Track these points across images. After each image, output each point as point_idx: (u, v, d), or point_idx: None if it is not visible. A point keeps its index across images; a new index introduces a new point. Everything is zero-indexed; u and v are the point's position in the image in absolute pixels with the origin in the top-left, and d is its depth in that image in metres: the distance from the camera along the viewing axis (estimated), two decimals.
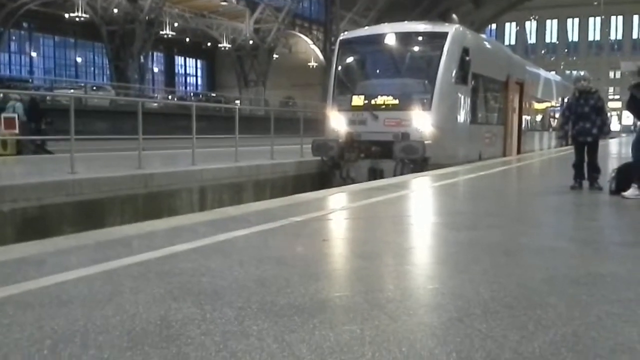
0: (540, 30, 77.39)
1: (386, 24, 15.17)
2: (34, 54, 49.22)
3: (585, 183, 8.47)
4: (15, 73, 46.65)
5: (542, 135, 22.77)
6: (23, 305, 2.70)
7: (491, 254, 3.98)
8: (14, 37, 47.19)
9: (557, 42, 77.44)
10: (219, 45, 50.16)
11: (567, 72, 66.42)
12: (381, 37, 13.61)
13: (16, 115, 13.58)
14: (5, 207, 6.78)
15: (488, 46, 17.45)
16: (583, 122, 8.36)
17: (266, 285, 3.09)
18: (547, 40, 78.54)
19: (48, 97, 26.70)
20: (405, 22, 15.65)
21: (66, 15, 39.95)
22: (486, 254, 3.99)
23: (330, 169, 13.15)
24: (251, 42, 48.50)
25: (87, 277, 3.18)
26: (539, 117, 22.32)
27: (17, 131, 13.01)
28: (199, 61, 63.94)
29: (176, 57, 60.42)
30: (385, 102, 12.92)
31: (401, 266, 3.67)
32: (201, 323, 2.48)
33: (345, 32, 16.75)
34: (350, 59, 14.62)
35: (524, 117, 18.90)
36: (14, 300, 2.78)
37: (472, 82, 13.76)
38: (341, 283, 3.27)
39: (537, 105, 21.66)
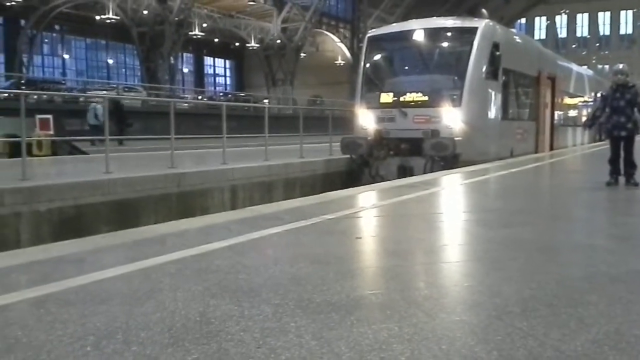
0: (571, 24, 75.92)
1: (414, 20, 15.07)
2: (66, 56, 50.12)
3: (622, 179, 8.29)
4: (49, 75, 47.57)
5: (575, 131, 22.35)
6: (64, 302, 2.76)
7: (527, 252, 3.93)
8: (46, 40, 48.12)
9: (589, 36, 75.91)
10: (247, 45, 50.45)
11: (599, 66, 65.05)
12: (410, 33, 13.52)
13: (50, 117, 13.83)
14: (42, 207, 6.93)
15: (519, 41, 17.19)
16: (618, 116, 8.19)
17: (301, 282, 3.10)
18: (578, 34, 76.99)
19: (81, 99, 27.20)
20: (434, 18, 15.53)
21: (97, 18, 40.62)
22: (522, 251, 3.94)
23: (359, 166, 13.11)
24: (278, 41, 48.66)
25: (125, 274, 3.24)
26: (571, 113, 21.92)
27: (52, 132, 13.27)
28: (227, 61, 64.37)
29: (205, 58, 60.93)
30: (415, 99, 12.83)
31: (435, 264, 3.65)
32: (240, 319, 2.50)
33: (373, 29, 16.68)
34: (378, 56, 14.56)
35: (556, 112, 18.58)
36: (55, 298, 2.84)
37: (503, 78, 13.57)
38: (376, 280, 3.26)
39: (570, 101, 21.27)
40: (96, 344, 2.25)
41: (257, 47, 49.75)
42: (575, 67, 23.28)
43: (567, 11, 71.68)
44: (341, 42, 55.31)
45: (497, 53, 12.98)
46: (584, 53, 71.12)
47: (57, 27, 47.03)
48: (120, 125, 19.24)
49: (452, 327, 2.42)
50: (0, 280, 3.15)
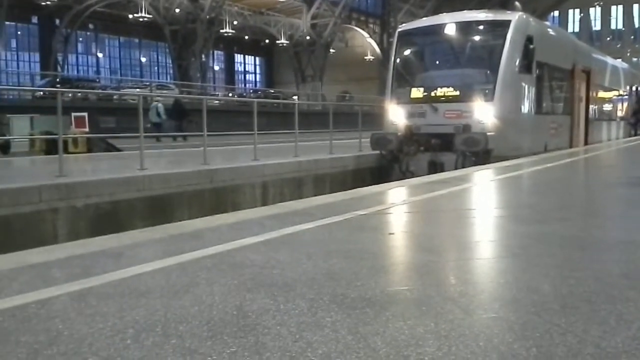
0: (605, 17, 74.20)
1: (445, 14, 14.92)
2: (100, 55, 51.05)
3: None
4: (83, 73, 48.52)
5: (610, 125, 21.89)
6: (104, 296, 2.82)
7: (564, 248, 3.86)
8: (80, 39, 49.08)
9: (623, 29, 74.11)
10: (277, 41, 50.65)
11: (634, 59, 63.46)
12: (441, 27, 13.40)
13: (85, 115, 14.12)
14: (79, 203, 7.08)
15: (553, 33, 16.89)
16: None
17: (335, 278, 3.11)
18: (613, 26, 75.27)
19: (115, 97, 27.65)
20: (465, 11, 15.35)
21: (130, 16, 41.28)
22: (559, 247, 3.87)
23: (390, 162, 13.06)
24: (308, 37, 48.73)
25: (163, 268, 3.29)
26: (606, 107, 21.46)
27: (87, 129, 13.54)
28: (257, 58, 64.75)
29: (235, 55, 61.38)
30: (446, 94, 12.72)
31: (471, 260, 3.62)
32: (276, 314, 2.52)
33: (404, 24, 16.57)
34: (409, 51, 14.47)
35: (591, 106, 18.22)
36: (95, 291, 2.90)
37: (537, 71, 13.36)
38: (410, 276, 3.25)
39: (605, 94, 20.83)
40: (136, 336, 2.29)
41: (287, 43, 49.90)
42: (610, 60, 22.78)
43: (601, 3, 70.06)
44: (370, 37, 55.12)
45: (531, 46, 12.77)
46: (618, 46, 69.46)
47: (91, 25, 47.93)
48: (180, 121, 20.77)
49: (490, 323, 2.39)
50: (42, 274, 3.23)
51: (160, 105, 20.08)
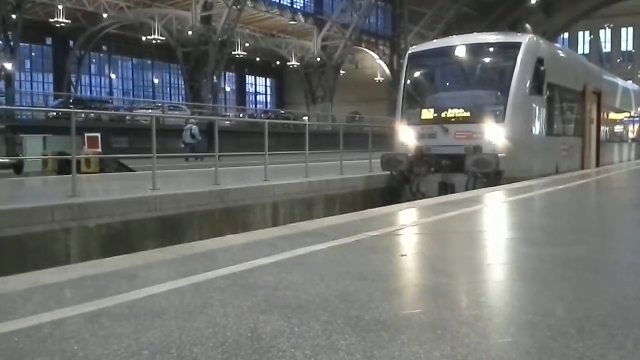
0: (615, 39, 74.33)
1: (456, 36, 15.00)
2: (113, 76, 51.63)
3: None
4: (96, 94, 49.05)
5: (621, 147, 21.79)
6: (118, 317, 2.82)
7: (579, 271, 3.83)
8: (94, 60, 49.72)
9: (633, 51, 74.15)
10: (288, 63, 51.05)
11: None
12: (452, 49, 13.45)
13: (98, 136, 14.27)
14: (91, 223, 7.12)
15: (563, 55, 16.91)
16: None
17: (349, 300, 3.10)
18: (623, 48, 75.36)
19: (128, 117, 27.93)
20: (475, 33, 15.42)
21: (143, 38, 41.81)
22: (573, 270, 3.84)
23: (400, 183, 13.04)
24: (318, 59, 49.07)
25: (177, 289, 3.29)
26: (617, 128, 21.38)
27: (99, 149, 13.66)
28: (268, 79, 65.26)
29: (247, 76, 61.90)
30: (456, 115, 12.73)
31: (485, 283, 3.59)
32: (290, 336, 2.51)
33: (414, 46, 16.67)
34: (419, 72, 14.53)
35: (602, 128, 18.16)
36: (109, 312, 2.90)
37: (547, 93, 13.35)
38: (425, 299, 3.23)
39: (616, 116, 20.77)
40: (151, 358, 2.29)
41: (298, 65, 50.28)
42: (620, 81, 22.75)
43: (611, 25, 70.16)
44: (380, 59, 55.42)
45: (542, 68, 12.79)
46: (629, 67, 69.42)
47: (104, 47, 48.58)
48: (212, 142, 20.65)
49: (507, 348, 2.37)
50: (55, 295, 3.24)
51: (194, 127, 21.19)
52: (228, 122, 33.92)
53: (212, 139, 22.01)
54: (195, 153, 19.60)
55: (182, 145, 22.09)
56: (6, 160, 14.10)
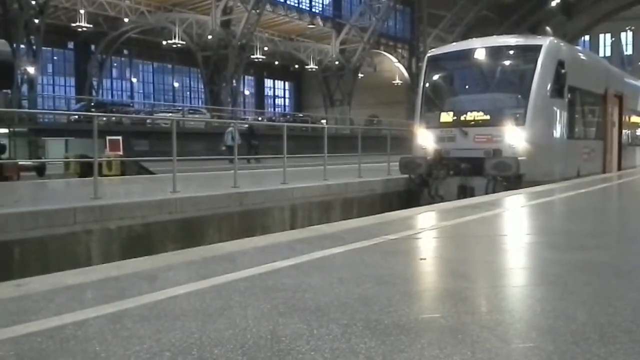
0: (637, 41, 73.36)
1: (475, 38, 14.92)
2: (134, 80, 52.18)
3: None
4: (117, 98, 49.61)
5: None
6: (140, 318, 2.85)
7: (601, 276, 3.79)
8: (115, 64, 50.31)
9: None
10: (306, 67, 51.17)
11: None
12: (471, 52, 13.38)
13: (120, 139, 14.41)
14: (112, 225, 7.19)
15: (584, 58, 16.74)
16: None
17: (368, 303, 3.09)
18: None
19: (148, 120, 28.19)
20: (495, 36, 15.33)
21: (164, 42, 42.23)
22: (595, 275, 3.80)
23: (418, 186, 12.98)
24: (337, 62, 49.12)
25: (197, 291, 3.32)
26: None
27: (121, 152, 13.80)
28: (286, 83, 65.46)
29: (265, 80, 62.15)
30: (476, 118, 12.65)
31: (506, 287, 3.57)
32: (310, 339, 2.52)
33: (433, 49, 16.61)
34: (438, 75, 14.48)
35: (624, 131, 17.92)
36: (131, 313, 2.93)
37: (569, 96, 13.21)
38: (444, 303, 3.21)
39: (638, 119, 20.48)
40: (172, 359, 2.31)
41: (316, 68, 50.37)
42: None
43: (633, 28, 69.26)
44: (399, 62, 55.31)
45: (563, 71, 12.67)
46: None
47: (125, 51, 49.15)
48: (251, 146, 24.35)
49: (528, 353, 2.35)
50: (77, 296, 3.28)
51: (235, 130, 21.94)
52: (247, 126, 34.06)
53: (253, 140, 24.77)
54: (233, 156, 20.36)
55: (224, 148, 23.29)
56: (29, 162, 14.29)
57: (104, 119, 25.37)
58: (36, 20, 27.84)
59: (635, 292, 3.42)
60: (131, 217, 7.30)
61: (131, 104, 45.11)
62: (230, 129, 23.25)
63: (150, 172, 14.76)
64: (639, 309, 3.00)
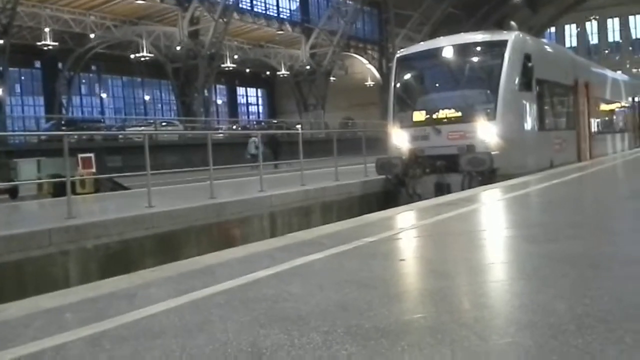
0: (602, 30, 74.78)
1: (442, 37, 15.07)
2: (104, 95, 51.58)
3: None
4: (87, 114, 48.96)
5: (614, 138, 21.87)
6: (119, 339, 2.81)
7: (577, 267, 3.84)
8: (84, 80, 49.67)
9: (621, 41, 74.57)
10: (278, 72, 51.15)
11: (634, 70, 63.58)
12: (439, 50, 13.51)
13: (92, 156, 14.23)
14: (89, 244, 7.10)
15: (551, 50, 17.02)
16: None
17: (349, 308, 3.10)
18: (610, 39, 75.83)
19: (121, 136, 27.88)
20: (462, 33, 15.50)
21: (132, 56, 41.82)
22: (572, 266, 3.85)
23: (396, 186, 13.06)
24: (308, 67, 49.19)
25: (176, 307, 3.29)
26: (609, 119, 21.48)
27: (94, 170, 13.63)
28: (259, 90, 65.32)
29: (237, 88, 61.95)
30: (448, 116, 12.78)
31: (484, 283, 3.60)
32: (291, 349, 2.51)
33: (402, 49, 16.73)
34: (408, 75, 14.58)
35: (594, 120, 18.24)
36: (109, 334, 2.89)
37: (537, 88, 13.41)
38: (424, 303, 3.23)
39: (607, 107, 20.87)
40: None
41: (288, 74, 50.37)
42: (609, 73, 22.88)
43: (597, 17, 70.57)
44: (370, 63, 55.59)
45: (530, 64, 12.86)
46: (617, 58, 69.76)
47: (93, 67, 48.55)
48: (275, 152, 26.30)
49: (506, 349, 2.38)
50: (56, 319, 3.23)
51: (258, 140, 23.86)
52: (221, 135, 33.91)
53: (275, 149, 26.69)
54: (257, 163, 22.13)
55: (248, 157, 25.00)
56: (0, 185, 14.04)
57: (75, 137, 25.04)
58: (1, 41, 27.40)
59: (610, 281, 3.48)
60: (107, 234, 7.21)
61: (102, 120, 44.56)
62: (253, 138, 24.82)
63: (125, 188, 14.60)
64: (615, 298, 3.05)
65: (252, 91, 64.85)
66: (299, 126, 44.43)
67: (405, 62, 14.37)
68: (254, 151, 24.46)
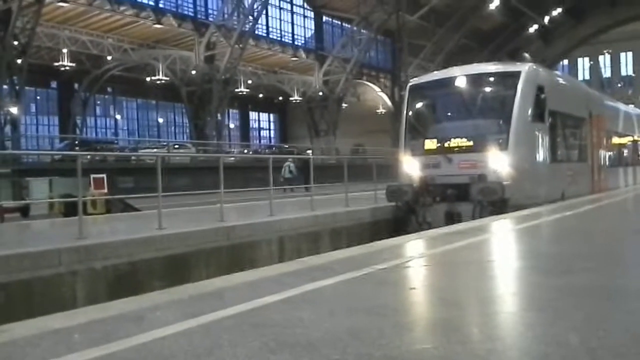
0: (615, 64, 74.99)
1: (456, 67, 15.15)
2: (118, 117, 52.10)
3: None
4: (101, 135, 49.42)
5: (626, 171, 21.74)
6: None
7: (591, 299, 3.79)
8: (99, 102, 50.25)
9: (634, 75, 74.68)
10: (290, 98, 51.54)
11: None
12: (452, 80, 13.58)
13: (104, 177, 14.34)
14: (98, 265, 7.09)
15: (564, 82, 17.06)
16: None
17: (360, 336, 3.06)
18: (623, 73, 75.96)
19: (133, 157, 28.08)
20: (475, 64, 15.58)
21: (147, 79, 42.34)
22: (585, 298, 3.80)
23: (406, 214, 13.00)
24: (320, 93, 49.52)
25: (185, 331, 3.26)
26: (622, 152, 21.38)
27: (105, 190, 13.71)
28: (271, 115, 65.78)
29: (250, 113, 62.43)
30: (459, 145, 12.77)
31: (496, 314, 3.55)
32: None
33: (415, 78, 16.84)
34: (421, 104, 14.62)
35: (607, 153, 18.17)
36: (117, 357, 2.87)
37: (550, 120, 13.41)
38: (435, 333, 3.19)
39: (619, 140, 20.80)
40: None
41: (300, 100, 50.74)
42: (622, 106, 22.86)
43: (610, 51, 70.79)
44: (382, 91, 55.90)
45: (542, 96, 12.88)
46: (630, 92, 69.75)
47: (109, 89, 49.12)
48: (307, 178, 24.95)
49: None
50: (64, 340, 3.21)
51: (292, 164, 25.25)
52: (233, 159, 34.06)
53: (307, 175, 26.19)
54: (292, 186, 23.34)
55: (282, 180, 25.30)
56: (12, 204, 14.14)
57: (88, 157, 25.26)
58: (19, 61, 27.83)
59: (624, 314, 3.43)
60: (117, 256, 7.21)
61: (115, 141, 44.94)
62: (288, 162, 25.69)
63: (136, 209, 14.64)
64: (630, 331, 3.00)
65: (264, 116, 65.32)
66: (309, 151, 44.59)
67: (418, 91, 14.44)
68: (288, 175, 25.66)
